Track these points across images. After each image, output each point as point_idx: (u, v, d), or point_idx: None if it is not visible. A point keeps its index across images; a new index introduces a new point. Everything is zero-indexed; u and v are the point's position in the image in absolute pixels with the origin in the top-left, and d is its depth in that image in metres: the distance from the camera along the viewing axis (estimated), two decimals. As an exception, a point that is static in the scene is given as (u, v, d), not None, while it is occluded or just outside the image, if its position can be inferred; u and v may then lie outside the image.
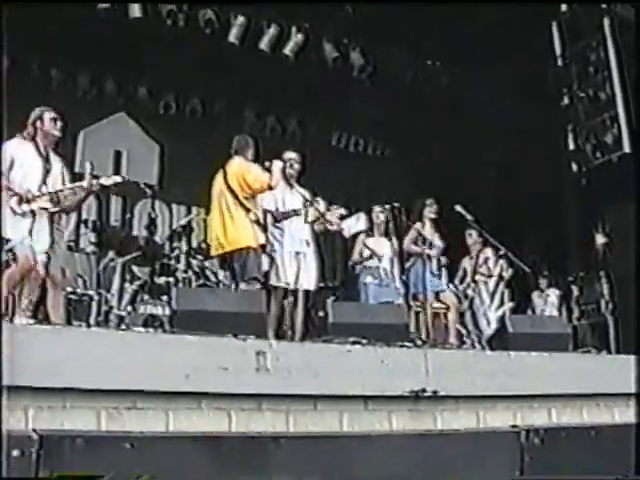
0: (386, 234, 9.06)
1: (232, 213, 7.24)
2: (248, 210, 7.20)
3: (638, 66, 10.65)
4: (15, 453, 3.82)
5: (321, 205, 7.87)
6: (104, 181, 6.46)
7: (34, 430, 4.02)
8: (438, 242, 9.13)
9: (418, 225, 8.98)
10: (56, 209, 6.27)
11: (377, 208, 9.11)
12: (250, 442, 4.71)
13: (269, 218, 7.56)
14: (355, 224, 8.05)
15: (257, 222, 7.22)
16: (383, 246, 9.02)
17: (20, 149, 6.15)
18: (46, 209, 6.17)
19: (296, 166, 7.85)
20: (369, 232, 9.00)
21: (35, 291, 6.13)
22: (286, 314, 7.54)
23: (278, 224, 7.60)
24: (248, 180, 7.20)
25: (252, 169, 7.28)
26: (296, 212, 7.63)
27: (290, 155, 7.84)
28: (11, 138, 6.13)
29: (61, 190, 6.29)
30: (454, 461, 5.22)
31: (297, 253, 7.47)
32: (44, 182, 6.20)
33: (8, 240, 5.94)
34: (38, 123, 6.24)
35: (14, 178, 6.03)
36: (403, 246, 8.98)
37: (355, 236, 8.99)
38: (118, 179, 6.62)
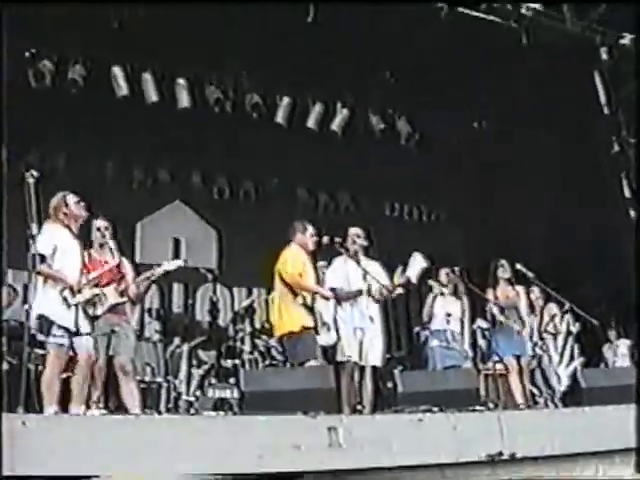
0: (455, 294, 9.02)
1: (283, 298, 7.34)
2: (296, 295, 7.26)
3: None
4: None
5: (383, 276, 7.85)
6: (167, 266, 6.63)
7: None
8: (519, 300, 9.01)
9: (490, 293, 8.88)
10: (123, 300, 6.45)
11: (443, 271, 9.08)
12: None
13: (332, 298, 7.55)
14: (414, 264, 7.92)
15: (304, 305, 7.25)
16: (453, 306, 8.97)
17: (57, 234, 6.11)
18: (116, 304, 6.37)
19: (359, 241, 7.87)
20: (440, 293, 8.98)
21: (98, 383, 6.24)
22: (355, 390, 7.49)
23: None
24: (286, 270, 7.31)
25: (289, 257, 7.38)
26: (360, 292, 7.63)
27: (354, 231, 7.90)
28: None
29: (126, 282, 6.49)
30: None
31: (361, 329, 7.42)
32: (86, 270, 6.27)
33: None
34: (64, 208, 6.22)
35: (59, 266, 6.03)
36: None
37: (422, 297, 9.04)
38: (180, 262, 6.81)
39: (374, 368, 7.57)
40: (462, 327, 8.97)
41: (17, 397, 4.73)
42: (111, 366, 6.48)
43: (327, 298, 7.46)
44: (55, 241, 6.02)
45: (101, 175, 11.05)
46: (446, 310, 8.94)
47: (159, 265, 6.68)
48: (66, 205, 6.23)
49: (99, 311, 6.26)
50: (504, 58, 11.06)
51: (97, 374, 6.25)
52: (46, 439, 4.14)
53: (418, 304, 9.52)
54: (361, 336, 7.30)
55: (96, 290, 6.20)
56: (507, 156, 12.84)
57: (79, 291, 6.03)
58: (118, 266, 6.58)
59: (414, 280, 7.77)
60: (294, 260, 7.35)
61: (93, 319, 6.19)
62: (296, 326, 7.14)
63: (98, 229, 6.67)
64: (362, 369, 7.40)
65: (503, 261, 9.03)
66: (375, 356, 7.54)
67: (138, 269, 7.03)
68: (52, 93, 10.31)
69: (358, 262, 7.70)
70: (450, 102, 12.15)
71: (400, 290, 7.80)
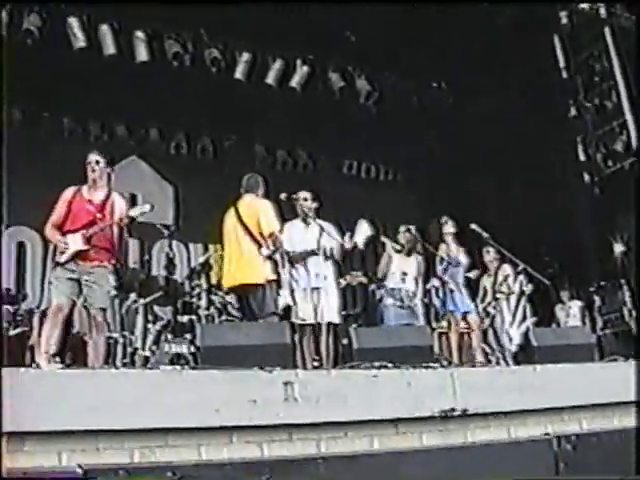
0: (409, 254, 9.10)
1: (244, 248, 7.35)
2: (260, 246, 7.26)
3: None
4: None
5: (334, 233, 7.90)
6: (132, 213, 6.53)
7: (79, 465, 4.04)
8: (464, 259, 9.16)
9: (443, 247, 9.02)
10: (86, 247, 6.34)
11: (402, 228, 9.16)
12: (288, 465, 4.70)
13: (285, 258, 7.58)
14: (360, 231, 8.01)
15: (269, 258, 7.27)
16: (408, 265, 9.05)
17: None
18: (84, 251, 6.29)
19: (308, 203, 7.91)
20: (397, 251, 9.05)
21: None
22: (311, 346, 7.55)
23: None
24: (261, 222, 7.30)
25: (268, 212, 7.37)
26: (314, 252, 7.67)
27: (302, 194, 7.91)
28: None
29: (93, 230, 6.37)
30: (489, 472, 5.19)
31: (315, 289, 7.47)
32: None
33: None
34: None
35: None
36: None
37: (378, 253, 9.15)
38: (146, 208, 6.62)
39: (332, 325, 7.64)
40: (417, 286, 9.07)
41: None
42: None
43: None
44: None
45: (57, 130, 10.90)
46: (402, 269, 9.03)
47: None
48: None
49: (63, 259, 6.25)
50: (464, 20, 11.06)
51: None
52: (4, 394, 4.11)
53: (374, 262, 9.56)
54: (317, 296, 7.35)
55: (57, 238, 6.26)
56: (464, 118, 12.89)
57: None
58: (104, 205, 6.51)
59: (361, 246, 7.88)
60: (275, 215, 7.37)
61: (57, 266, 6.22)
62: (260, 279, 7.18)
63: (88, 163, 6.54)
64: (319, 326, 7.46)
65: (446, 218, 9.19)
66: (331, 314, 7.61)
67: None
68: (6, 43, 10.08)
69: (308, 224, 7.75)
70: (410, 63, 12.16)
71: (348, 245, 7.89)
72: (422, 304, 9.08)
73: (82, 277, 6.31)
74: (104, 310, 6.46)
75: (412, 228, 9.12)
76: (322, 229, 7.80)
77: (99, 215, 6.45)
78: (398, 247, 9.06)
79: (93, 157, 6.53)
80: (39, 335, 6.26)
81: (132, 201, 11.42)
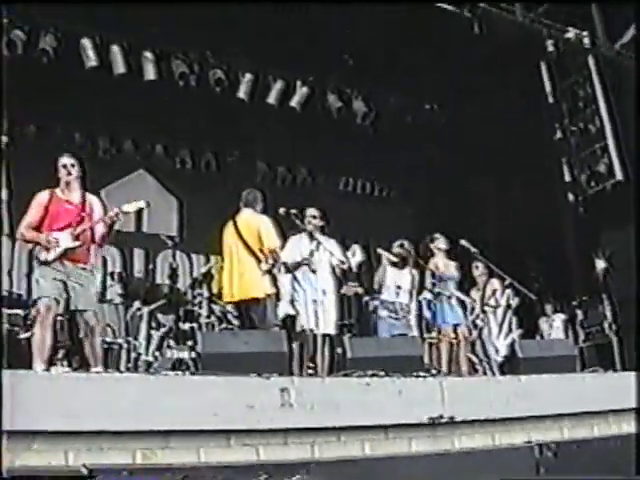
0: (403, 267, 9.12)
1: (243, 263, 7.35)
2: (259, 260, 7.27)
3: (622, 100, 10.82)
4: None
5: (336, 251, 7.94)
6: (126, 208, 6.24)
7: (84, 465, 4.05)
8: (455, 272, 9.16)
9: (434, 261, 9.04)
10: (77, 243, 6.07)
11: (395, 243, 9.18)
12: (282, 468, 4.71)
13: (282, 268, 7.60)
14: (354, 256, 8.10)
15: (269, 272, 7.27)
16: (402, 279, 9.06)
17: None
18: (72, 248, 6.03)
19: (316, 221, 7.92)
20: (392, 264, 9.08)
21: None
22: (308, 355, 7.57)
23: (297, 274, 7.63)
24: (262, 237, 7.31)
25: (268, 228, 7.37)
26: (306, 260, 7.67)
27: (310, 212, 7.94)
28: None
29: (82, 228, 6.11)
30: (474, 477, 5.21)
31: (314, 301, 7.48)
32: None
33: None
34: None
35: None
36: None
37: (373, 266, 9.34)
38: (141, 204, 6.39)
39: (328, 336, 7.66)
40: (410, 299, 9.08)
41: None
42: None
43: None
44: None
45: (68, 144, 10.92)
46: (396, 282, 9.03)
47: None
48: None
49: (50, 257, 5.96)
50: (457, 45, 11.13)
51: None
52: (9, 395, 4.11)
53: (369, 274, 9.58)
54: (316, 308, 7.37)
55: (43, 235, 5.98)
56: (457, 138, 12.95)
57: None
58: (83, 205, 6.24)
59: (354, 269, 7.95)
60: (275, 231, 7.40)
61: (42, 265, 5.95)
62: (259, 293, 7.18)
63: (64, 166, 6.23)
64: (315, 337, 7.47)
65: (437, 234, 9.21)
66: (328, 325, 7.63)
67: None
68: (23, 62, 10.12)
69: (313, 239, 7.77)
70: (404, 85, 12.24)
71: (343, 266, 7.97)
72: (416, 317, 9.10)
73: (69, 278, 6.01)
74: (95, 312, 6.18)
75: (405, 243, 9.12)
76: (326, 246, 7.82)
77: (83, 214, 6.20)
78: (394, 259, 9.07)
79: (68, 160, 6.26)
80: (41, 338, 6.01)
81: (137, 213, 11.51)
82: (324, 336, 7.56)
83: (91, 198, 6.37)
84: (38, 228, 6.07)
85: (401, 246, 9.10)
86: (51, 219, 6.11)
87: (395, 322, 8.77)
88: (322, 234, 7.95)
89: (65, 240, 6.01)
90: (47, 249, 5.95)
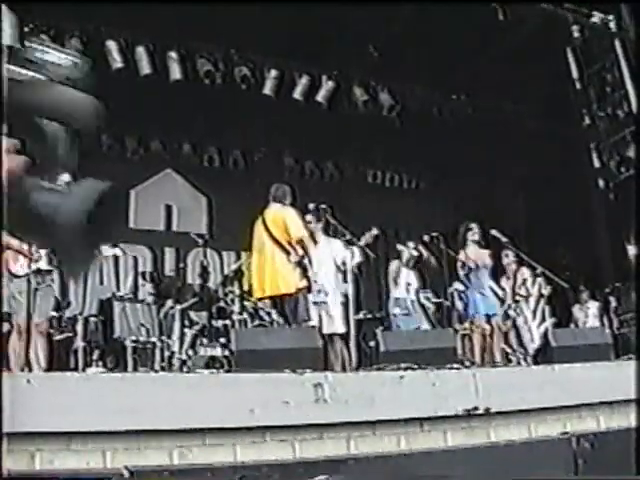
0: (414, 267, 9.18)
1: (273, 258, 7.35)
2: (288, 253, 7.26)
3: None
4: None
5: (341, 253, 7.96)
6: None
7: (125, 467, 4.07)
8: (488, 261, 9.09)
9: (466, 251, 8.99)
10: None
11: (410, 244, 9.21)
12: (316, 466, 4.71)
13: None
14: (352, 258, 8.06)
15: (299, 264, 7.26)
16: (412, 277, 9.15)
17: None
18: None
19: (310, 226, 7.90)
20: (406, 265, 9.14)
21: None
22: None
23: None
24: (289, 229, 7.30)
25: (294, 218, 7.36)
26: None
27: (307, 218, 7.94)
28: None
29: None
30: (511, 470, 5.17)
31: (315, 303, 7.48)
32: None
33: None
34: None
35: None
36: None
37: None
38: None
39: (341, 335, 7.65)
40: (417, 296, 9.18)
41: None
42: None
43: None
44: None
45: (96, 145, 10.98)
46: (406, 280, 9.12)
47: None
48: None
49: (25, 270, 5.87)
50: (482, 35, 11.04)
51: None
52: (48, 397, 4.15)
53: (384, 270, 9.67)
54: (319, 310, 7.38)
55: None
56: (484, 128, 12.86)
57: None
58: None
59: (354, 270, 7.97)
60: (301, 221, 7.41)
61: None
62: (290, 288, 7.19)
63: None
64: (330, 336, 7.47)
65: (472, 224, 9.15)
66: (337, 325, 7.62)
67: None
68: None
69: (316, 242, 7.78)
70: (430, 76, 12.15)
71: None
72: (422, 310, 9.19)
73: (39, 286, 6.01)
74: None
75: (425, 237, 9.10)
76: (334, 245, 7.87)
77: None
78: (415, 253, 9.10)
79: None
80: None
81: (167, 212, 11.59)
82: (331, 336, 7.55)
83: None
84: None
85: (415, 248, 9.15)
86: None
87: (407, 318, 8.84)
88: (326, 234, 7.97)
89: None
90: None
